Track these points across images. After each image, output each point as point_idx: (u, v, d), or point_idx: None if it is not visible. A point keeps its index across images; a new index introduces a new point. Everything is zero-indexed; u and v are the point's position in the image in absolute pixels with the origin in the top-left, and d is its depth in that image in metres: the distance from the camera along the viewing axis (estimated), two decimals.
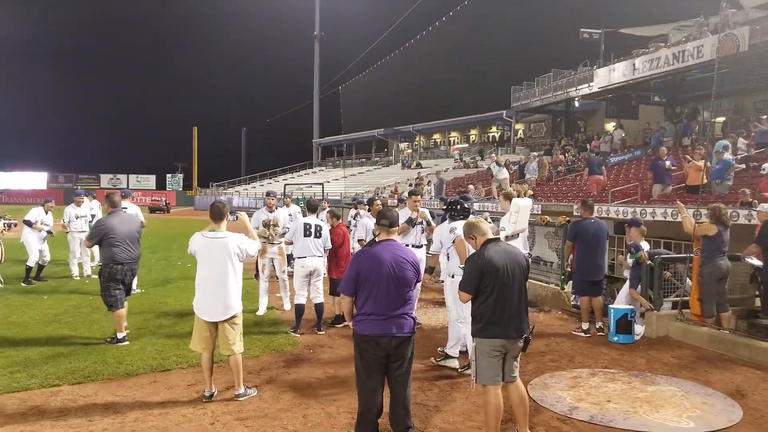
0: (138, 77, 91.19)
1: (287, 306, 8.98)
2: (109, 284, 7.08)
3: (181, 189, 69.14)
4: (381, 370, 4.28)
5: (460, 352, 6.36)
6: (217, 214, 5.37)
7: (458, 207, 6.55)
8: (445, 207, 7.07)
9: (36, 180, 63.54)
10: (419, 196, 8.59)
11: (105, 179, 68.15)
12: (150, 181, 69.74)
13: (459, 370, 6.14)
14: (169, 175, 71.24)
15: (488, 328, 4.18)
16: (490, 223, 7.53)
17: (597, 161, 19.32)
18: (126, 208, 10.77)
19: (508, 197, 7.54)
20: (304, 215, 8.37)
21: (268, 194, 9.84)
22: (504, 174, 20.49)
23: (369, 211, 9.80)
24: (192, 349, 5.48)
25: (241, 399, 5.24)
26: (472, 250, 5.72)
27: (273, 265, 9.11)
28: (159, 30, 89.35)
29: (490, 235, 4.40)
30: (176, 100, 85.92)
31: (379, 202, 9.60)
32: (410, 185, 31.28)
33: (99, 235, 7.11)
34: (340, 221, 8.50)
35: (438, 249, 6.63)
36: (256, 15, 75.01)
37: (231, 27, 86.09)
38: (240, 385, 5.33)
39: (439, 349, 6.58)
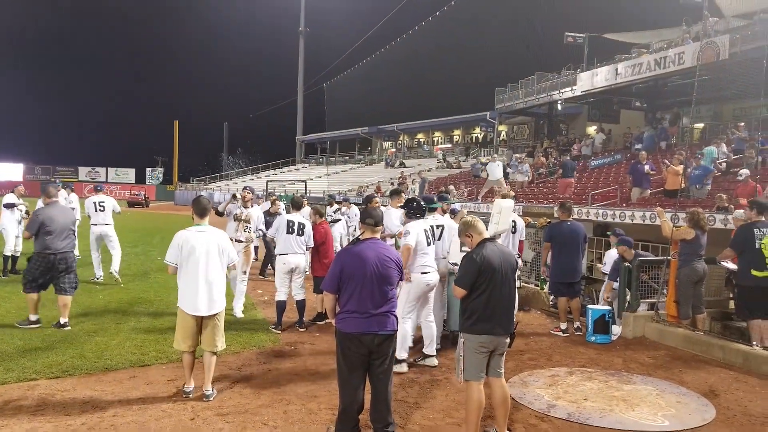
0: (119, 69, 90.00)
1: (239, 313, 8.37)
2: (35, 269, 7.26)
3: (161, 183, 68.32)
4: (363, 368, 4.30)
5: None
6: (202, 209, 5.34)
7: (414, 205, 6.52)
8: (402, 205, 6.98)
9: (12, 171, 62.23)
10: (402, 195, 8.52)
11: (83, 172, 67.09)
12: (129, 174, 68.80)
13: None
14: (149, 169, 70.37)
15: (478, 324, 4.28)
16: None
17: (571, 165, 19.98)
18: (103, 201, 10.95)
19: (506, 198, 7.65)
20: (288, 212, 8.34)
21: (245, 188, 9.49)
22: (500, 173, 20.52)
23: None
24: (176, 348, 5.36)
25: (210, 399, 5.14)
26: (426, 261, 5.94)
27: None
28: (142, 22, 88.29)
29: (486, 235, 4.52)
30: (158, 93, 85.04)
31: (378, 199, 9.24)
32: (392, 184, 31.44)
33: (37, 225, 7.22)
34: (323, 219, 8.50)
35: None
36: (241, 9, 74.44)
37: (215, 20, 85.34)
38: (209, 384, 5.23)
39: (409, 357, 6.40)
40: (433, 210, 7.03)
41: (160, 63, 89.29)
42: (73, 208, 12.61)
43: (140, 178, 68.79)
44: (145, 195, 51.85)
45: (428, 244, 6.36)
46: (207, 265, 5.19)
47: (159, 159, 70.63)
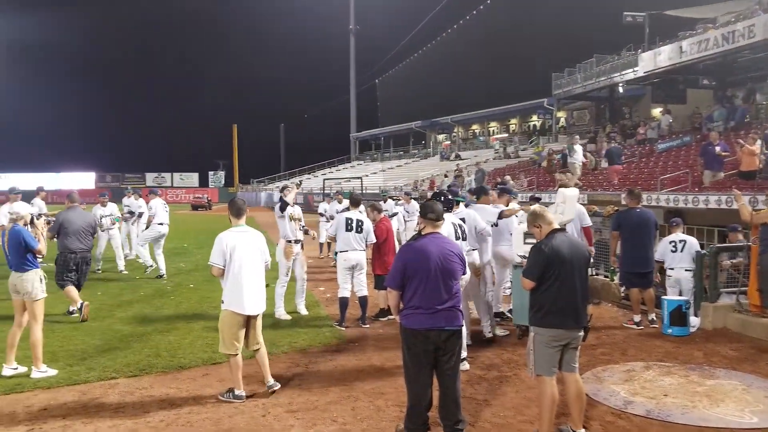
0: (180, 77, 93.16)
1: (303, 310, 8.47)
2: (62, 271, 8.19)
3: (222, 186, 70.47)
4: (430, 364, 4.24)
5: None
6: (238, 210, 5.43)
7: (442, 199, 6.26)
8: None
9: (84, 180, 65.65)
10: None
11: (150, 178, 69.98)
12: (193, 178, 71.29)
13: None
14: (211, 173, 72.70)
15: (548, 317, 4.16)
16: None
17: (617, 151, 19.49)
18: (141, 206, 13.18)
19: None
20: (348, 209, 8.34)
21: (284, 188, 8.65)
22: (579, 158, 19.25)
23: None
24: (224, 353, 5.26)
25: (275, 389, 5.26)
26: None
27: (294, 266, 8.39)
28: (198, 31, 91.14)
29: (556, 225, 4.40)
30: (217, 99, 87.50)
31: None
32: (445, 176, 31.16)
33: (57, 227, 8.17)
34: (383, 215, 8.47)
35: None
36: (292, 10, 75.44)
37: (267, 23, 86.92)
38: (269, 377, 5.34)
39: None
40: (457, 203, 6.89)
41: (216, 70, 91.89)
42: (141, 213, 13.30)
43: (203, 182, 71.14)
44: (208, 198, 53.48)
45: (456, 238, 6.05)
46: (251, 265, 5.29)
47: (220, 162, 72.82)
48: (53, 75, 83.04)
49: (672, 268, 7.88)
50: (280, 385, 5.33)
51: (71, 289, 8.14)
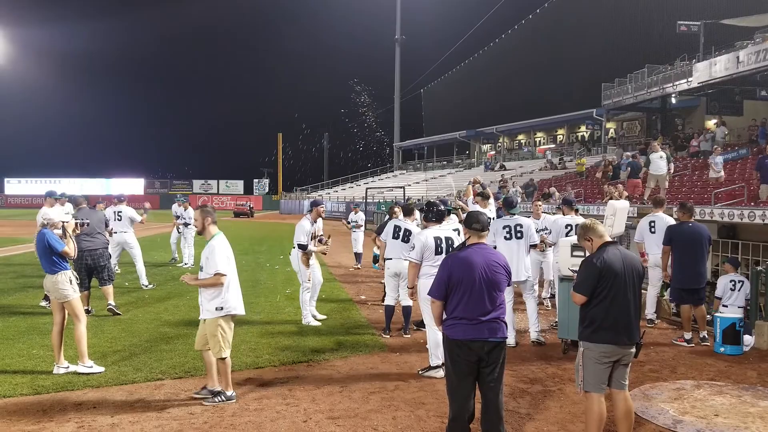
0: (226, 87, 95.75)
1: (318, 314, 8.55)
2: (78, 270, 8.31)
3: (267, 193, 71.71)
4: (473, 376, 4.19)
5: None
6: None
7: (434, 209, 6.23)
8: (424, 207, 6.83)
9: (134, 185, 67.90)
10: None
11: (197, 185, 71.88)
12: (238, 186, 72.82)
13: (419, 372, 6.10)
14: (255, 180, 74.11)
15: (599, 332, 4.07)
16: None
17: (636, 166, 19.14)
18: (121, 211, 11.36)
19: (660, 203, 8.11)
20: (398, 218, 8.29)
21: (315, 203, 8.65)
22: (664, 169, 16.72)
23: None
24: (225, 356, 5.25)
25: (232, 401, 5.23)
26: (427, 272, 5.78)
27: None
28: (243, 42, 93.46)
29: (607, 238, 4.32)
30: (262, 108, 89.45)
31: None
32: (484, 187, 30.90)
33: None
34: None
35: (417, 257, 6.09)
36: (338, 20, 76.58)
37: (313, 33, 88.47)
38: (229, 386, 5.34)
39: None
40: (449, 213, 7.09)
41: (263, 79, 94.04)
42: (187, 224, 14.11)
43: (248, 189, 72.57)
44: (250, 205, 54.00)
45: (437, 253, 5.98)
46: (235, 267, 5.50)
47: (265, 170, 74.21)
48: (110, 83, 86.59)
49: (726, 306, 7.80)
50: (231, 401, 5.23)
51: (84, 294, 8.20)
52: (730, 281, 7.92)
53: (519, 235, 7.43)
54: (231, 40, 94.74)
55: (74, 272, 7.66)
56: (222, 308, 5.26)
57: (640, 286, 4.29)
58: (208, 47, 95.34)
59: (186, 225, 14.38)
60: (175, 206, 15.19)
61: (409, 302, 7.87)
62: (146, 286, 11.23)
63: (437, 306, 4.34)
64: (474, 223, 4.33)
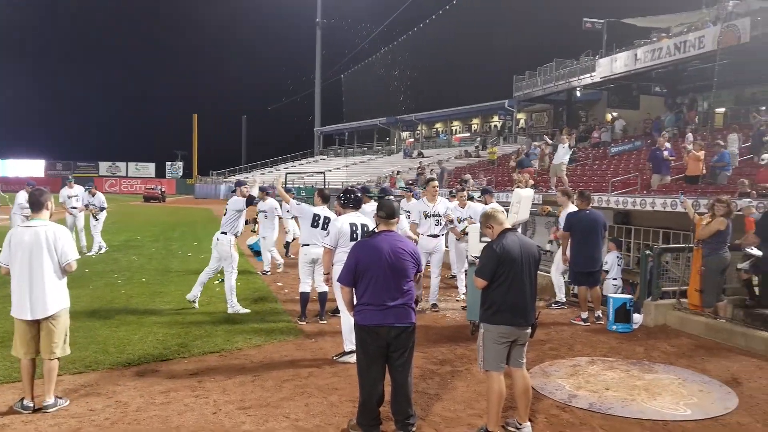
0: (138, 64, 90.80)
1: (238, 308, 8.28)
2: None
3: (180, 177, 68.98)
4: (382, 360, 4.32)
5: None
6: (34, 203, 4.86)
7: (351, 195, 6.30)
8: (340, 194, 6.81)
9: (34, 167, 63.29)
10: (436, 183, 8.84)
11: (104, 167, 67.93)
12: (149, 168, 69.51)
13: (333, 358, 6.22)
14: (168, 163, 71.04)
15: (498, 314, 4.27)
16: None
17: (524, 160, 21.74)
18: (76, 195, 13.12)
19: (567, 194, 8.68)
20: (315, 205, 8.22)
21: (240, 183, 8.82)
22: (566, 158, 17.49)
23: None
24: (13, 355, 4.88)
25: (50, 410, 4.68)
26: (341, 258, 5.66)
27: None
28: (159, 17, 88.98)
29: (507, 225, 4.52)
30: (176, 88, 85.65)
31: (435, 183, 9.04)
32: (407, 172, 31.48)
33: None
34: None
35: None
36: (258, 1, 74.43)
37: (232, 14, 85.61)
38: (50, 393, 4.74)
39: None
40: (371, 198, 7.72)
41: (178, 57, 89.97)
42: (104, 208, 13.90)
43: (160, 173, 69.48)
44: (161, 189, 51.82)
45: (352, 239, 5.98)
46: (33, 263, 4.66)
47: (179, 153, 71.24)
48: (5, 57, 79.76)
49: (611, 279, 9.62)
50: (60, 407, 4.78)
51: None
52: (617, 257, 9.61)
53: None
54: (143, 16, 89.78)
55: None
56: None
57: (536, 271, 4.54)
58: (117, 21, 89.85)
59: (102, 209, 13.92)
60: (85, 194, 14.01)
61: (325, 288, 7.88)
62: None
63: (347, 292, 4.42)
64: (380, 211, 4.44)
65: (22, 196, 12.93)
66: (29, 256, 4.67)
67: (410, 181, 21.02)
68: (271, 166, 57.82)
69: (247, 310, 8.21)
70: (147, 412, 4.74)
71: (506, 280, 4.26)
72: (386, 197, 6.64)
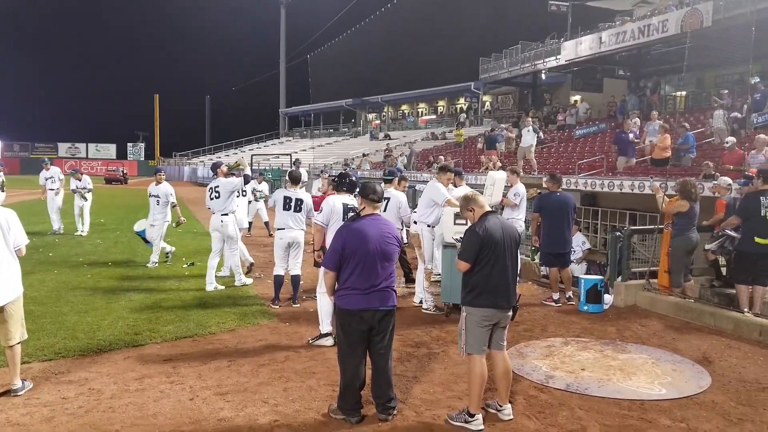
0: (98, 42, 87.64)
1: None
2: None
3: (143, 159, 67.34)
4: (364, 344, 4.30)
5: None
6: None
7: (346, 179, 6.28)
8: (334, 178, 6.85)
9: None
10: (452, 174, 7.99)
11: (63, 148, 65.87)
12: (110, 150, 67.66)
13: (309, 341, 6.17)
14: (130, 144, 69.21)
15: (481, 297, 4.26)
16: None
17: (492, 138, 21.78)
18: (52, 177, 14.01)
19: (516, 173, 8.64)
20: (286, 187, 8.09)
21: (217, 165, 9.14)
22: (534, 140, 18.00)
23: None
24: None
25: (20, 393, 4.64)
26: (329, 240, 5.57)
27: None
28: None
29: (488, 208, 4.50)
30: (137, 67, 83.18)
31: (451, 174, 8.14)
32: (374, 153, 31.34)
33: None
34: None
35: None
36: None
37: None
38: (17, 377, 4.70)
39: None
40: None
41: (139, 36, 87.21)
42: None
43: (122, 154, 67.69)
44: (123, 171, 50.63)
45: (344, 219, 5.87)
46: None
47: (140, 134, 69.45)
48: None
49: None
50: (27, 389, 4.73)
51: None
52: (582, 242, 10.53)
53: None
54: None
55: None
56: None
57: (517, 253, 4.56)
58: (76, 0, 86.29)
59: (89, 191, 14.17)
60: (72, 179, 14.32)
61: (299, 272, 7.82)
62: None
63: (330, 277, 4.35)
64: (371, 194, 4.37)
65: None
66: None
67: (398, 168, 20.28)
68: (236, 148, 56.89)
69: (250, 280, 8.85)
70: (122, 400, 4.61)
71: (489, 263, 4.25)
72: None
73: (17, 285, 4.74)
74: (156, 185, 10.22)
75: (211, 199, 8.56)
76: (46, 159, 16.89)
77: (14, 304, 4.70)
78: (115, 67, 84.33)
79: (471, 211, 4.49)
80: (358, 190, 5.28)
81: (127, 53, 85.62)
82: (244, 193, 10.08)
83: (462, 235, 6.76)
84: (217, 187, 8.55)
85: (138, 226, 10.60)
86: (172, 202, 10.22)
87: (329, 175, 11.54)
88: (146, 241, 10.49)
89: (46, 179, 14.23)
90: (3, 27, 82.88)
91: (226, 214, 8.52)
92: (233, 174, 9.37)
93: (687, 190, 7.37)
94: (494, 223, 4.35)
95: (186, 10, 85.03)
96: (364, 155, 31.94)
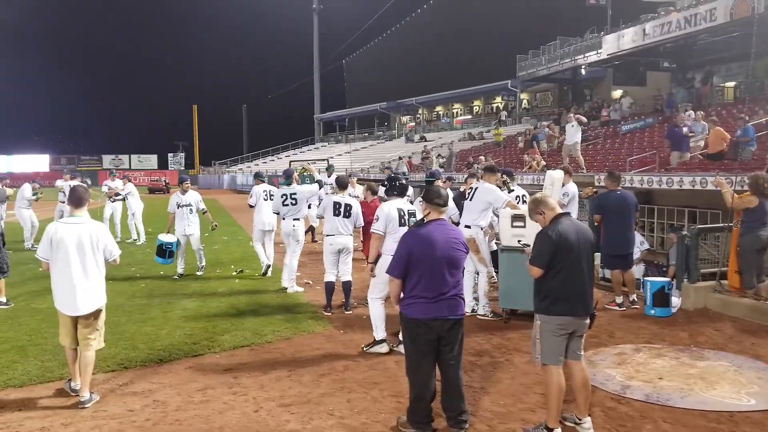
0: (138, 57, 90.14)
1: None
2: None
3: (183, 168, 68.82)
4: (433, 354, 4.13)
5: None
6: (77, 199, 4.87)
7: (396, 183, 6.13)
8: (385, 182, 6.66)
9: (38, 162, 63.20)
10: (499, 174, 7.83)
11: (107, 160, 67.89)
12: (152, 160, 69.46)
13: (363, 348, 5.98)
14: (170, 155, 70.85)
15: (556, 305, 4.03)
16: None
17: (534, 137, 21.90)
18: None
19: (568, 172, 8.22)
20: (335, 193, 8.04)
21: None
22: (578, 136, 17.05)
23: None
24: (60, 343, 4.98)
25: (87, 405, 4.63)
26: (391, 248, 5.27)
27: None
28: (157, 8, 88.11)
29: (559, 210, 4.25)
30: (176, 79, 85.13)
31: (499, 175, 7.98)
32: (409, 157, 31.13)
33: None
34: (376, 197, 8.32)
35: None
36: None
37: (229, 4, 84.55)
38: (86, 388, 4.73)
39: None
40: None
41: (176, 49, 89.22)
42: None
43: (163, 164, 69.35)
44: (165, 181, 51.95)
45: (401, 225, 5.81)
46: (78, 260, 4.71)
47: (180, 144, 71.07)
48: (5, 54, 79.24)
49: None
50: (94, 401, 4.73)
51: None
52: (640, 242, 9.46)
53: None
54: (141, 9, 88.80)
55: None
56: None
57: (592, 256, 4.31)
58: (116, 15, 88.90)
59: (117, 195, 14.78)
60: (118, 182, 15.33)
61: (349, 278, 7.70)
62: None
63: (396, 285, 4.20)
64: (435, 198, 4.20)
65: (27, 190, 13.81)
66: (74, 253, 4.71)
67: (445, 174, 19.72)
68: (273, 155, 57.49)
69: (301, 289, 8.86)
70: (187, 412, 4.56)
71: (564, 268, 4.02)
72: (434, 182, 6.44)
73: (101, 296, 4.90)
74: (182, 194, 10.01)
75: (285, 204, 8.76)
76: (114, 171, 18.59)
77: (96, 314, 4.85)
78: (155, 81, 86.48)
79: (541, 214, 4.27)
80: (411, 192, 5.14)
81: (166, 66, 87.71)
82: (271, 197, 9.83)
83: (521, 238, 6.64)
84: (294, 194, 8.79)
85: (169, 238, 9.60)
86: (202, 209, 10.21)
87: (358, 179, 11.48)
88: (163, 255, 9.58)
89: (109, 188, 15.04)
90: (50, 46, 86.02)
91: (298, 219, 8.77)
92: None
93: (759, 185, 6.96)
94: (568, 226, 4.12)
95: (220, 21, 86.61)
96: (400, 158, 31.71)
